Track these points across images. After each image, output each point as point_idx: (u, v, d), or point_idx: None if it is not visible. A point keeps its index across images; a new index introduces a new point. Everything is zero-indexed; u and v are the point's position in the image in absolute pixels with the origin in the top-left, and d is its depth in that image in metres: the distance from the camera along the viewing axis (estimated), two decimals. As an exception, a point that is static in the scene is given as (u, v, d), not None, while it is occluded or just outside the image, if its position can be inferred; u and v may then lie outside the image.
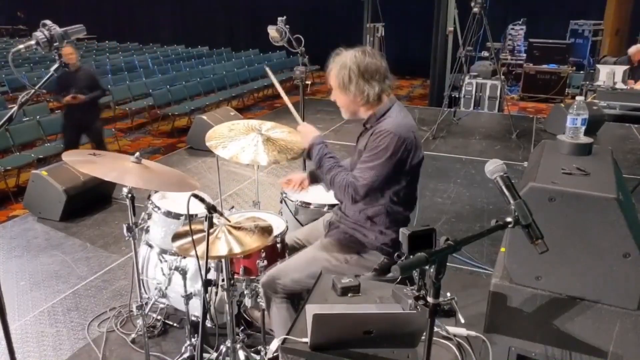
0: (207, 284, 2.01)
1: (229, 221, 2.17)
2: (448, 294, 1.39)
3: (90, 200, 4.67)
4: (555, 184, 1.89)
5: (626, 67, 7.76)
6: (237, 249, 2.05)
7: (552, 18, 11.57)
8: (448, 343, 1.71)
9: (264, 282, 2.29)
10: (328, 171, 2.18)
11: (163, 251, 2.69)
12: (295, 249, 2.53)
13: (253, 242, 2.07)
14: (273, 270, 2.31)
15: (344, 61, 2.14)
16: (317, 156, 2.23)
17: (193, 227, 1.99)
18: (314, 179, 2.58)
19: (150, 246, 2.75)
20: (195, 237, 1.96)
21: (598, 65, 8.27)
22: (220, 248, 2.03)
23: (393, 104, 2.20)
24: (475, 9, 6.84)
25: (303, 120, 3.51)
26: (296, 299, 2.32)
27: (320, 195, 2.74)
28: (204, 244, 1.90)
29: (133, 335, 2.87)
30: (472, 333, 1.78)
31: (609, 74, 7.52)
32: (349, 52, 2.17)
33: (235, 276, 2.41)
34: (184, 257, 2.54)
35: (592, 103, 6.93)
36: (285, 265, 2.31)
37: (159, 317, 2.96)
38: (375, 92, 2.15)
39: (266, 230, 2.15)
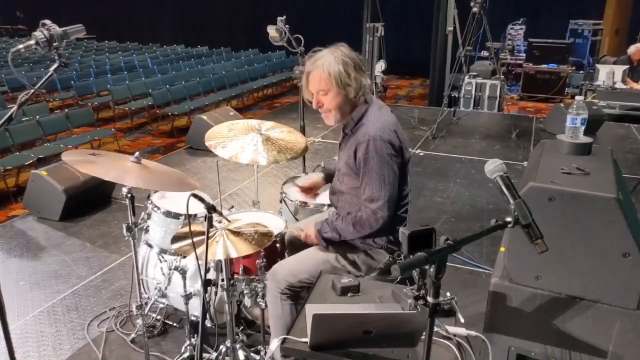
0: (206, 283, 2.01)
1: (229, 221, 2.17)
2: (448, 294, 1.40)
3: (89, 200, 4.67)
4: (555, 183, 1.89)
5: (626, 66, 7.77)
6: (234, 255, 2.05)
7: (552, 18, 11.58)
8: (448, 343, 1.71)
9: (268, 279, 2.28)
10: (345, 228, 2.17)
11: (163, 251, 2.69)
12: (297, 245, 2.52)
13: (252, 248, 2.07)
14: (279, 268, 2.29)
15: (333, 58, 2.07)
16: (329, 233, 2.22)
17: (192, 228, 1.99)
18: (328, 177, 2.57)
19: (150, 246, 2.75)
20: (194, 239, 1.96)
21: (597, 65, 8.28)
22: (218, 252, 2.03)
23: (370, 104, 2.18)
24: (475, 9, 6.84)
25: (303, 121, 3.54)
26: (297, 296, 2.32)
27: (319, 195, 2.73)
28: (204, 245, 1.91)
29: (133, 335, 2.87)
30: (472, 333, 1.78)
31: (609, 73, 7.53)
32: (333, 50, 2.11)
33: (235, 276, 2.41)
34: (184, 257, 2.54)
35: (592, 103, 6.93)
36: (292, 265, 2.28)
37: (158, 317, 2.96)
38: (368, 83, 2.15)
39: (266, 236, 2.15)
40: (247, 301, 2.45)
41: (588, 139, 2.24)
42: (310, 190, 2.62)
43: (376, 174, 2.07)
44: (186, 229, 2.15)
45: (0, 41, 14.88)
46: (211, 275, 2.35)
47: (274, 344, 1.69)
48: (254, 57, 12.09)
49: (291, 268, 2.26)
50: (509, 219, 1.37)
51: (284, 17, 3.38)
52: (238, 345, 2.42)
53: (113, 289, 3.44)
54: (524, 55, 10.51)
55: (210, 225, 1.96)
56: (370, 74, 8.42)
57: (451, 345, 1.70)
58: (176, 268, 2.53)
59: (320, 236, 2.25)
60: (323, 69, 2.08)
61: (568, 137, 2.25)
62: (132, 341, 2.84)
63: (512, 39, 11.07)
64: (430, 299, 1.32)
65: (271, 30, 3.39)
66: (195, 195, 1.91)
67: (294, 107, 8.78)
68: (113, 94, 8.07)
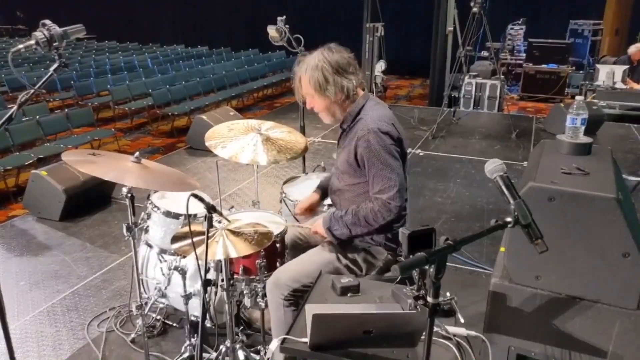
0: (206, 283, 2.01)
1: (229, 221, 2.17)
2: (448, 294, 1.39)
3: (89, 200, 4.67)
4: (555, 183, 1.89)
5: (626, 66, 7.77)
6: (234, 255, 2.05)
7: (552, 18, 11.58)
8: (448, 343, 1.71)
9: (271, 283, 2.25)
10: (356, 222, 2.14)
11: (162, 251, 2.69)
12: (297, 246, 2.53)
13: (251, 248, 2.07)
14: (282, 272, 2.26)
15: (314, 63, 2.12)
16: (339, 230, 2.19)
17: (192, 228, 1.99)
18: (324, 194, 2.56)
19: (150, 246, 2.75)
20: (194, 239, 1.96)
21: (597, 65, 8.28)
22: (218, 252, 2.03)
23: (367, 100, 2.21)
24: (475, 9, 6.84)
25: (303, 121, 3.54)
26: (300, 301, 2.32)
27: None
28: (203, 245, 1.91)
29: (132, 335, 2.87)
30: (472, 333, 1.78)
31: (609, 73, 7.53)
32: (314, 54, 2.16)
33: (235, 276, 2.41)
34: (184, 257, 2.54)
35: (592, 103, 6.93)
36: (295, 270, 2.24)
37: (158, 317, 2.96)
38: (354, 85, 2.16)
39: (266, 236, 2.15)
40: (247, 301, 2.45)
41: (588, 139, 2.24)
42: (308, 212, 2.58)
43: (382, 164, 2.06)
44: (186, 229, 2.15)
45: (0, 41, 14.88)
46: (211, 275, 2.35)
47: (274, 344, 1.69)
48: (254, 57, 12.09)
49: (293, 273, 2.22)
50: (509, 219, 1.37)
51: (284, 17, 3.38)
52: (238, 345, 2.42)
53: (113, 289, 3.44)
54: (524, 55, 10.51)
55: (210, 225, 1.96)
56: (370, 74, 8.42)
57: (451, 345, 1.70)
58: (176, 268, 2.53)
59: (331, 234, 2.22)
60: (305, 74, 2.16)
61: (568, 137, 2.25)
62: (132, 341, 2.84)
63: (512, 39, 11.06)
64: (430, 299, 1.32)
65: (271, 30, 3.39)
66: (195, 195, 1.91)
67: (294, 107, 8.77)
68: (113, 94, 8.07)
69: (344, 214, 2.19)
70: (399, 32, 12.63)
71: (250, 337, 2.76)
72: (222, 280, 2.27)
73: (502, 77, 8.65)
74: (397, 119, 2.23)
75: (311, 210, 2.56)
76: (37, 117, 5.96)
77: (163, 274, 2.66)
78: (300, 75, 2.19)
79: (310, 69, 2.13)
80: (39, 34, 1.70)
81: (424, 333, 1.41)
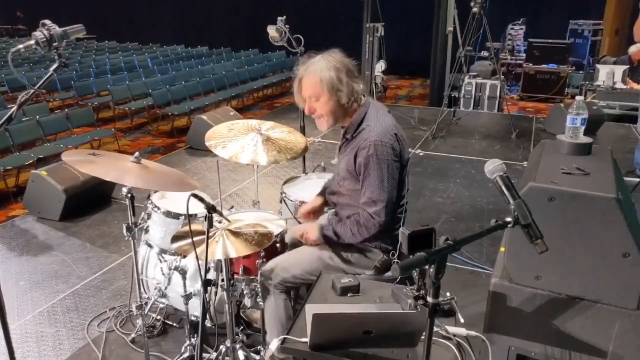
0: (206, 283, 2.01)
1: (229, 221, 2.17)
2: (448, 294, 1.39)
3: (89, 200, 4.67)
4: (555, 183, 1.89)
5: (626, 66, 7.76)
6: (234, 255, 2.06)
7: (552, 18, 11.58)
8: (448, 343, 1.71)
9: (263, 273, 2.31)
10: (344, 232, 2.20)
11: (162, 251, 2.69)
12: (298, 244, 2.53)
13: (251, 248, 2.08)
14: (274, 263, 2.32)
15: (325, 64, 2.09)
16: (329, 232, 2.24)
17: (192, 228, 1.99)
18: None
19: (150, 246, 2.75)
20: (194, 239, 1.96)
21: (597, 65, 8.27)
22: (218, 252, 2.03)
23: (368, 107, 2.19)
24: (475, 9, 6.84)
25: (303, 121, 3.54)
26: (293, 292, 2.37)
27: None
28: (203, 245, 1.91)
29: (133, 335, 2.87)
30: (472, 333, 1.78)
31: (609, 73, 7.52)
32: (325, 56, 2.13)
33: (235, 276, 2.41)
34: (184, 257, 2.54)
35: (592, 103, 6.93)
36: (287, 260, 2.32)
37: (158, 317, 2.96)
38: (361, 89, 2.16)
39: (266, 236, 2.15)
40: (247, 301, 2.45)
41: (588, 139, 2.24)
42: (310, 215, 2.59)
43: (376, 178, 2.08)
44: (186, 229, 2.15)
45: (0, 41, 14.87)
46: (211, 275, 2.35)
47: (274, 343, 1.69)
48: (254, 57, 12.09)
49: (284, 264, 2.29)
50: (508, 219, 1.37)
51: (284, 17, 3.38)
52: (238, 345, 2.42)
53: (113, 289, 3.44)
54: (524, 55, 10.50)
55: (210, 225, 1.96)
56: (370, 74, 8.42)
57: (451, 345, 1.70)
58: (176, 268, 2.53)
59: (321, 233, 2.26)
60: (315, 74, 2.10)
61: (568, 137, 2.25)
62: (132, 341, 2.84)
63: (512, 39, 11.06)
64: (430, 299, 1.32)
65: (271, 30, 3.39)
66: (195, 195, 1.91)
67: (294, 107, 8.75)
68: (113, 94, 8.07)
69: (336, 222, 2.25)
70: (399, 32, 12.63)
71: (250, 337, 2.76)
72: (222, 280, 2.28)
73: (502, 77, 8.64)
74: (398, 121, 2.23)
75: (314, 213, 2.57)
76: (37, 117, 5.96)
77: (163, 274, 2.66)
78: (305, 76, 2.14)
79: (323, 69, 2.08)
80: (39, 34, 1.70)
81: (424, 333, 1.41)
